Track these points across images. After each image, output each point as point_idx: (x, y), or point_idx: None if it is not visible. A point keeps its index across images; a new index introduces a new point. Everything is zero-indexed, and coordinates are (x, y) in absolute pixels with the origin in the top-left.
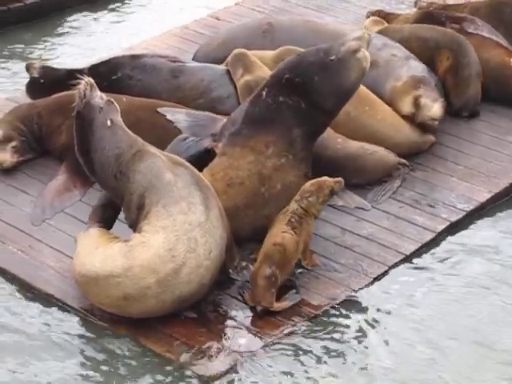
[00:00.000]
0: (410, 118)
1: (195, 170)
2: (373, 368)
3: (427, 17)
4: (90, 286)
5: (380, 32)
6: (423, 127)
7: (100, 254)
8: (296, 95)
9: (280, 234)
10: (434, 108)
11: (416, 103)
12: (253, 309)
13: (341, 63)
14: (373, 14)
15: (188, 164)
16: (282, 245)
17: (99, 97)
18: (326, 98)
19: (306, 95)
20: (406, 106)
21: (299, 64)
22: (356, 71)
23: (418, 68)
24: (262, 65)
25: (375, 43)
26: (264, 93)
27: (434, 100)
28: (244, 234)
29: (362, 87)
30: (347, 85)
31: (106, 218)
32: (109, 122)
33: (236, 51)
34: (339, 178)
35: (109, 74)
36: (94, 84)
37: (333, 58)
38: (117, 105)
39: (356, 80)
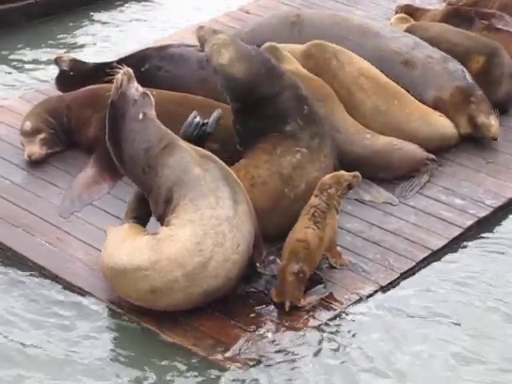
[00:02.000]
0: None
1: (224, 165)
2: (400, 363)
3: (455, 14)
4: (117, 278)
5: (407, 30)
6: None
7: (127, 246)
8: (251, 113)
9: (303, 229)
10: (493, 127)
11: (472, 123)
12: (279, 303)
13: (215, 68)
14: (401, 8)
15: (217, 158)
16: (305, 240)
17: (135, 88)
18: (242, 99)
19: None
20: (463, 128)
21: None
22: (224, 63)
23: (459, 75)
24: (293, 58)
25: (406, 42)
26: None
27: (488, 114)
28: (272, 236)
29: (389, 81)
30: (233, 79)
31: (140, 214)
32: (141, 115)
33: (267, 44)
34: (356, 173)
35: (138, 66)
36: (132, 75)
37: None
38: (152, 98)
39: (235, 69)
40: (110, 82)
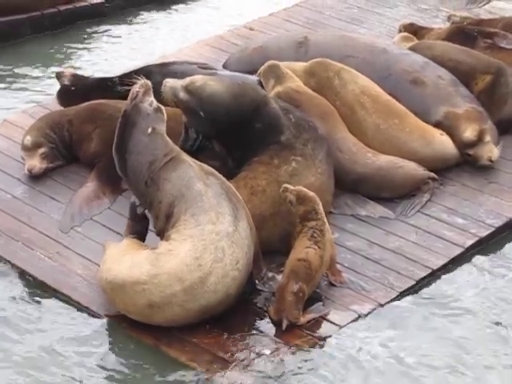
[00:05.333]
0: (464, 145)
1: (226, 181)
2: (399, 381)
3: (459, 32)
4: (116, 292)
5: (411, 48)
6: (474, 158)
7: (127, 260)
8: (245, 130)
9: (304, 249)
10: (495, 151)
11: (480, 136)
12: (277, 321)
13: (201, 100)
14: (405, 27)
15: (219, 174)
16: (306, 260)
17: (149, 102)
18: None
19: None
20: (469, 133)
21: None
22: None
23: (473, 99)
24: (294, 76)
25: (416, 60)
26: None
27: (495, 142)
28: (273, 243)
29: (391, 100)
30: (217, 94)
31: (139, 230)
32: (150, 130)
33: (269, 62)
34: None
35: None
36: (150, 88)
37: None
38: (165, 113)
39: (213, 86)
40: (127, 92)
